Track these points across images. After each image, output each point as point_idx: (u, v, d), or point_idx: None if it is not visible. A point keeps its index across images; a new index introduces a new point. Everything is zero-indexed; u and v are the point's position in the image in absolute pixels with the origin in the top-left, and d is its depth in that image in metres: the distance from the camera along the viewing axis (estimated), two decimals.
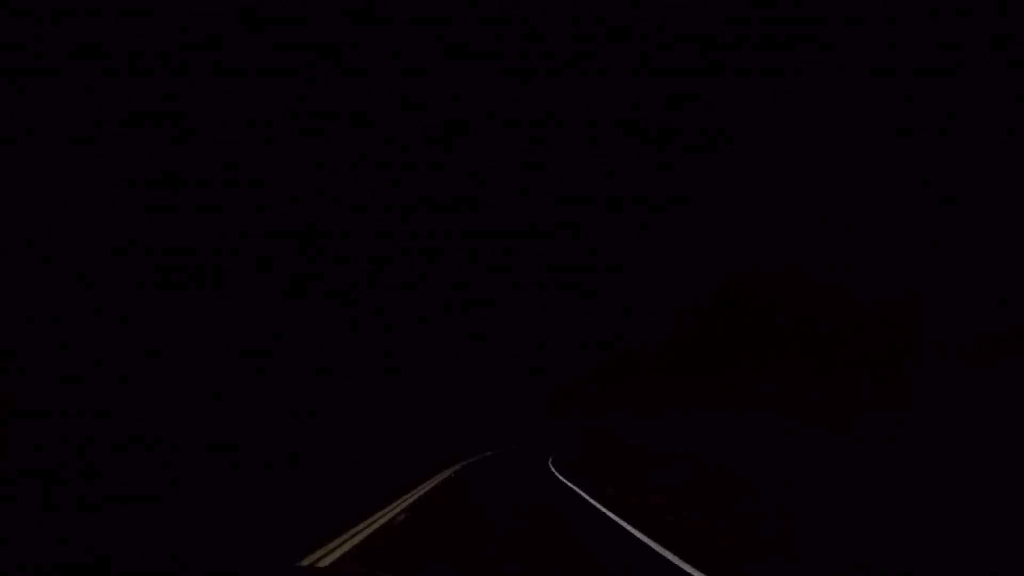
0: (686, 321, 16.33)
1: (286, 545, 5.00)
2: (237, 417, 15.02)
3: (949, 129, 6.44)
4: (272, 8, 12.73)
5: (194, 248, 14.64)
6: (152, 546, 4.84)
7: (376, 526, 6.09)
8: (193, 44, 13.23)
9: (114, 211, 12.64)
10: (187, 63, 13.33)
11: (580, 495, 9.39)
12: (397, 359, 27.47)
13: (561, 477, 13.66)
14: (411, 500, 8.35)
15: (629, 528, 5.96)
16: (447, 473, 14.74)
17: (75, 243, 11.58)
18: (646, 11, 11.36)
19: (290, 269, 19.40)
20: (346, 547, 4.90)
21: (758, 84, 11.35)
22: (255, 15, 12.68)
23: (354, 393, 23.45)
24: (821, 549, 4.75)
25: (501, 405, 44.41)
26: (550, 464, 19.58)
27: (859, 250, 8.53)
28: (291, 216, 19.01)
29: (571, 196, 23.87)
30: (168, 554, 4.50)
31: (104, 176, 12.47)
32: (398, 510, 7.26)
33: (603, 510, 7.48)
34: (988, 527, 4.78)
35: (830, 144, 9.44)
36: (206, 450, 12.58)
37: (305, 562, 4.35)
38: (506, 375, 44.63)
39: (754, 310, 11.63)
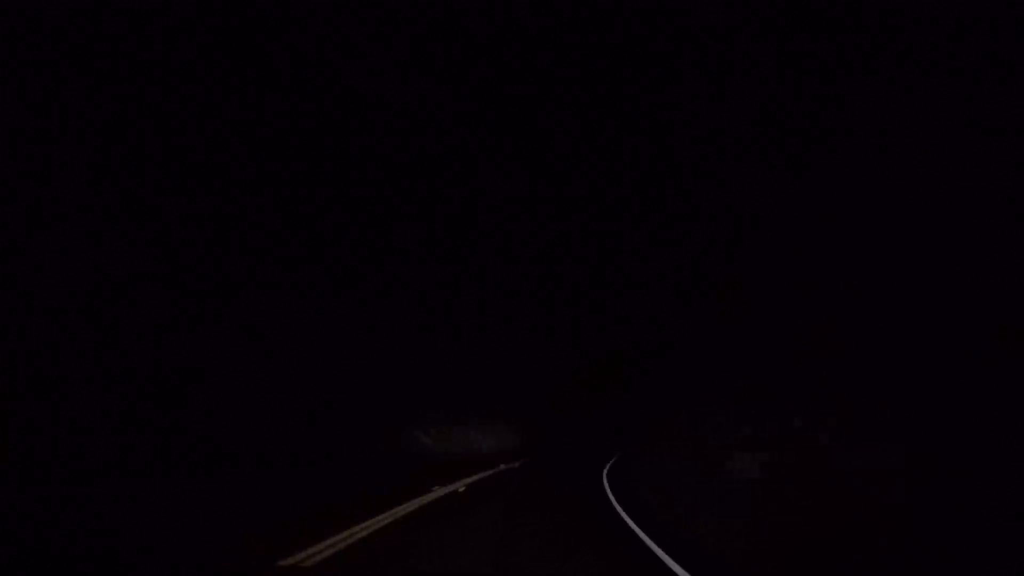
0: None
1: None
2: (241, 416, 15.04)
3: (951, 126, 6.43)
4: (273, 9, 12.69)
5: (190, 249, 14.64)
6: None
7: None
8: (189, 43, 13.19)
9: (114, 211, 12.63)
10: (182, 62, 13.30)
11: None
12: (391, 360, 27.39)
13: None
14: None
15: None
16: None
17: (72, 243, 11.57)
18: (645, 13, 11.35)
19: (291, 271, 19.40)
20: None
21: (752, 85, 11.34)
22: (256, 16, 12.65)
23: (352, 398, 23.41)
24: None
25: (499, 406, 43.99)
26: None
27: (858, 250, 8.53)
28: (289, 216, 19.00)
29: (570, 196, 23.79)
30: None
31: (105, 177, 12.46)
32: None
33: None
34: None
35: (826, 144, 9.43)
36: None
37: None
38: (506, 373, 44.41)
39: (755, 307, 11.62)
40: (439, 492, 10.15)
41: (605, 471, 12.87)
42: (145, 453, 11.10)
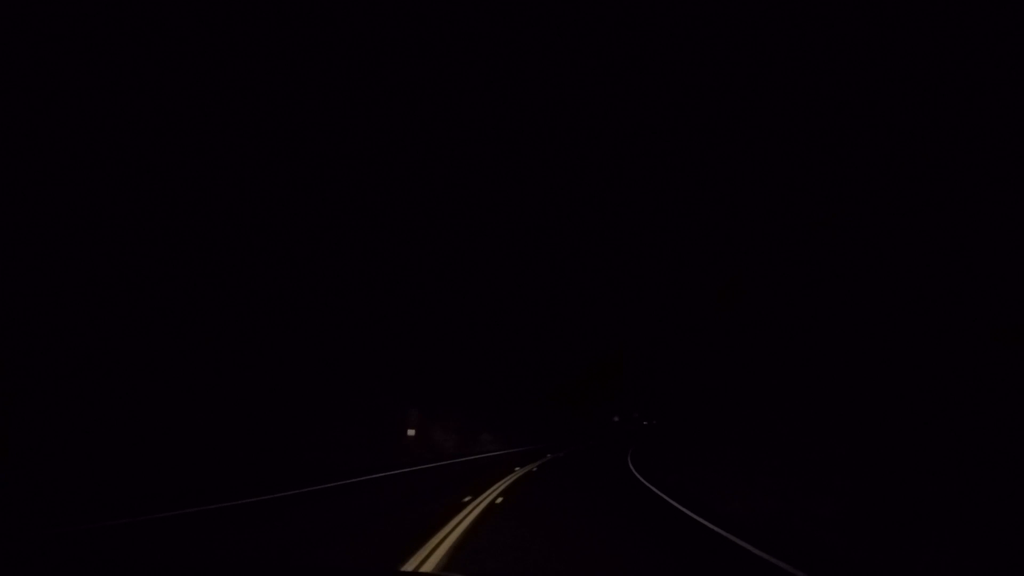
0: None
1: None
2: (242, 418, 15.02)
3: (951, 127, 6.46)
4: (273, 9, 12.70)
5: (187, 249, 14.62)
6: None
7: None
8: (187, 44, 13.18)
9: (112, 211, 12.61)
10: (180, 62, 13.28)
11: None
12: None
13: None
14: None
15: None
16: None
17: (68, 243, 11.55)
18: (648, 13, 11.37)
19: (289, 272, 19.37)
20: None
21: (753, 84, 11.37)
22: (257, 16, 12.65)
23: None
24: None
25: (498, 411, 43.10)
26: None
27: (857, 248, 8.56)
28: (288, 216, 18.99)
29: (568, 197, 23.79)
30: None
31: (103, 177, 12.44)
32: None
33: None
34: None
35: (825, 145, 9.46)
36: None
37: None
38: (505, 373, 44.10)
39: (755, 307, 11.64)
40: None
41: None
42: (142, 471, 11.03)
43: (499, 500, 8.98)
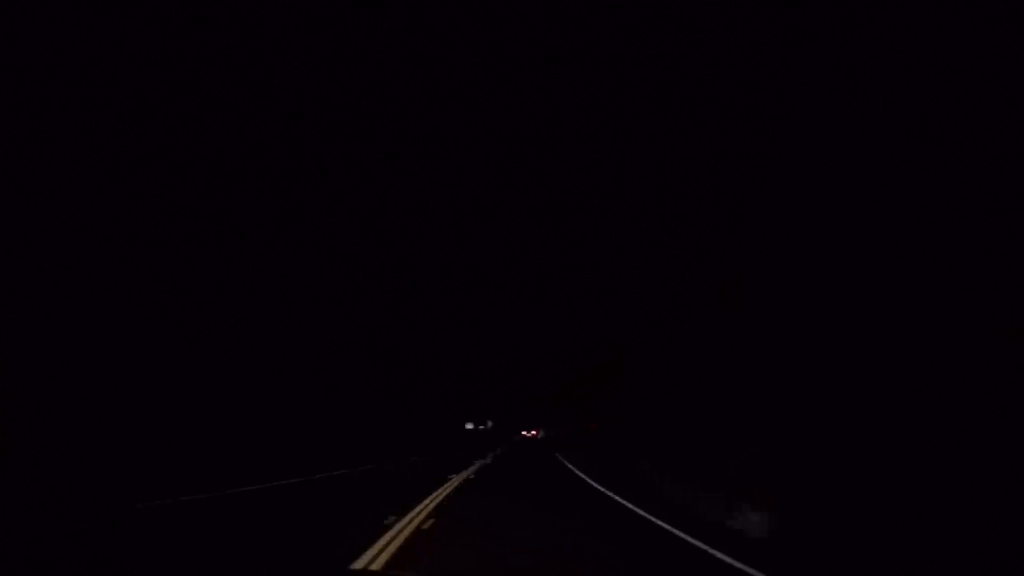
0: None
1: None
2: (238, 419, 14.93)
3: (951, 125, 6.49)
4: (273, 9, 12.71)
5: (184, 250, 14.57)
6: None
7: None
8: (188, 44, 13.17)
9: (109, 212, 12.56)
10: (180, 62, 13.26)
11: None
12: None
13: None
14: None
15: None
16: None
17: (63, 243, 11.50)
18: (645, 12, 11.43)
19: (285, 272, 19.31)
20: None
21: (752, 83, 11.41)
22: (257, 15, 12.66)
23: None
24: None
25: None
26: None
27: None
28: (286, 217, 18.95)
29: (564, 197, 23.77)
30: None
31: (101, 177, 12.40)
32: None
33: None
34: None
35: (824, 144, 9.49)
36: None
37: None
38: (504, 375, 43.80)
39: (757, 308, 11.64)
40: None
41: None
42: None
43: None
